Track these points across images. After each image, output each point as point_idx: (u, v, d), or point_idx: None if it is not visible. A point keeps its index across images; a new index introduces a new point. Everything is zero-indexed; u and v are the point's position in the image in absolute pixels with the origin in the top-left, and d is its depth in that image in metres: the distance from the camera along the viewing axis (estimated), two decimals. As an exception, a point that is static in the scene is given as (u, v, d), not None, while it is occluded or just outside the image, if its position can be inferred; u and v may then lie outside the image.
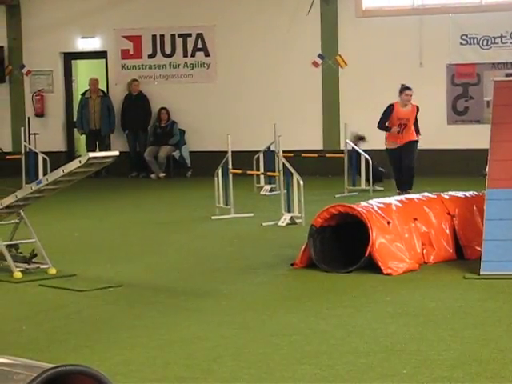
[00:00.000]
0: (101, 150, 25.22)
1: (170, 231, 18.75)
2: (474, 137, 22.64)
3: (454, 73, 26.91)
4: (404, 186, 20.93)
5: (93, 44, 29.80)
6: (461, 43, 26.76)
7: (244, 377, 9.16)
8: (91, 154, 14.30)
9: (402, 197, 15.39)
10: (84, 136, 29.57)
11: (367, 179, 23.22)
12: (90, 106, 29.17)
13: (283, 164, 19.21)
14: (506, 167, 14.51)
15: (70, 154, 27.33)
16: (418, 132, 22.22)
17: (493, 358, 9.63)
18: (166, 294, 13.15)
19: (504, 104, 15.25)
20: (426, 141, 26.04)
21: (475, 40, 26.68)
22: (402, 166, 21.59)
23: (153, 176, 28.57)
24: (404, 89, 21.55)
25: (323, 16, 27.67)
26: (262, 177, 23.84)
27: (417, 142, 22.12)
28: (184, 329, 11.24)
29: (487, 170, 14.62)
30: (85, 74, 29.90)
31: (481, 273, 13.58)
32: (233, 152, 20.53)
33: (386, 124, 21.82)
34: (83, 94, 29.47)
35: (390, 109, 21.75)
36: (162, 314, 12.01)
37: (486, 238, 13.90)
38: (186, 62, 29.12)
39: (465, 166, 22.42)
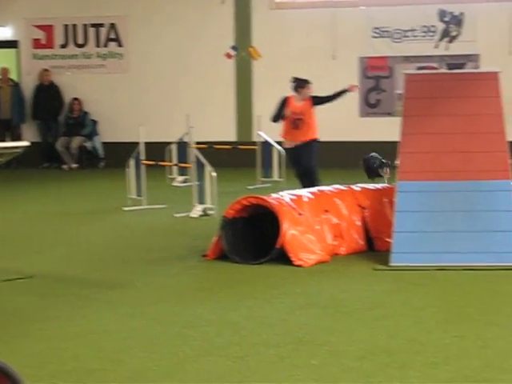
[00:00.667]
0: (11, 140, 24.93)
1: (81, 222, 18.67)
2: (385, 129, 22.76)
3: (366, 66, 27.13)
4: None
5: (3, 33, 29.62)
6: (373, 36, 26.95)
7: (154, 368, 9.16)
8: (1, 144, 14.23)
9: (314, 189, 15.41)
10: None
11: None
12: (0, 96, 29.00)
13: (195, 155, 19.22)
14: (416, 160, 14.62)
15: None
16: (335, 95, 20.01)
17: (401, 349, 9.72)
18: (78, 286, 13.09)
19: (414, 97, 15.37)
20: (338, 133, 26.26)
21: (387, 33, 26.89)
22: (301, 168, 19.37)
23: (65, 167, 28.45)
24: (305, 82, 19.34)
25: (237, 7, 27.73)
26: (174, 168, 23.87)
27: (315, 140, 19.60)
28: (95, 320, 11.20)
29: (398, 162, 14.72)
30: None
31: (390, 264, 13.71)
32: (145, 143, 20.52)
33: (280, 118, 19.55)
34: (-5, 84, 29.36)
35: (283, 100, 19.58)
36: (73, 305, 11.95)
37: (396, 229, 14.02)
38: (98, 53, 29.08)
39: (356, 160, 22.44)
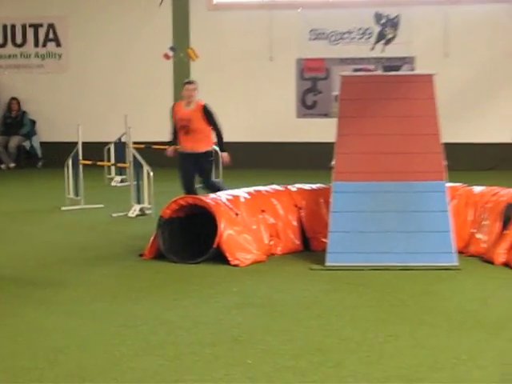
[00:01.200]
0: None
1: (19, 222, 18.62)
2: (322, 130, 22.78)
3: (303, 67, 27.19)
4: None
5: None
6: (310, 38, 27.02)
7: (90, 367, 9.15)
8: None
9: (251, 189, 15.42)
10: None
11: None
12: None
13: (133, 155, 19.24)
14: (351, 160, 14.68)
15: None
16: (220, 144, 17.82)
17: (336, 348, 9.77)
18: (14, 285, 13.05)
19: (350, 98, 15.42)
20: (276, 134, 26.33)
21: (324, 35, 26.98)
22: (204, 185, 17.63)
23: (2, 166, 28.34)
24: (185, 83, 17.41)
25: (175, 8, 27.75)
26: (112, 168, 23.84)
27: (208, 153, 17.41)
28: (31, 319, 11.18)
29: (333, 162, 14.76)
30: None
31: (326, 264, 13.76)
32: (83, 143, 20.49)
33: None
34: None
35: (171, 108, 17.73)
36: (9, 304, 11.92)
37: (332, 229, 14.08)
38: (37, 52, 29.01)
39: (313, 160, 22.43)
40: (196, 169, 17.24)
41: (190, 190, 17.16)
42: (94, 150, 22.07)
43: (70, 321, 11.06)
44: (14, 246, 15.86)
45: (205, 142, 17.24)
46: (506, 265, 13.69)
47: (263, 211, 14.93)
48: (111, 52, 27.94)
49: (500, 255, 13.86)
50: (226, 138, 24.42)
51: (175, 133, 17.52)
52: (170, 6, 27.74)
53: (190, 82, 17.37)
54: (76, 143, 20.36)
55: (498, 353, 9.61)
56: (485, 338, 10.09)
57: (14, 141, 28.49)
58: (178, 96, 27.58)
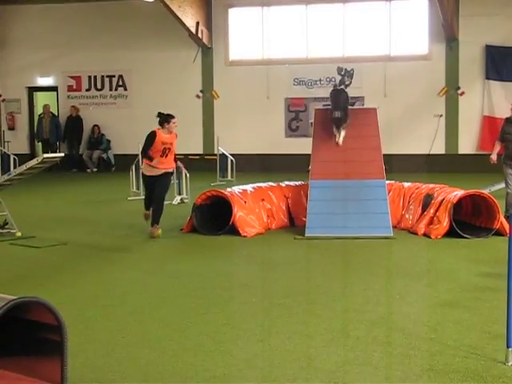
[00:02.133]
0: (51, 153, 24.73)
1: (98, 207, 18.62)
2: (302, 146, 22.70)
3: (289, 103, 27.12)
4: (153, 219, 14.35)
5: (48, 81, 29.50)
6: (293, 84, 27.00)
7: (147, 305, 9.20)
8: (45, 155, 14.44)
9: (254, 185, 15.40)
10: (40, 143, 29.22)
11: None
12: (43, 123, 28.92)
13: (179, 162, 19.27)
14: (322, 166, 14.77)
15: (32, 155, 26.74)
16: (176, 160, 15.18)
17: (312, 291, 9.78)
18: (98, 249, 13.12)
19: (321, 124, 15.55)
20: (271, 148, 26.29)
21: (303, 82, 26.94)
22: (154, 195, 14.48)
23: (88, 170, 28.32)
24: (170, 117, 14.58)
25: (203, 63, 27.72)
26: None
27: (172, 173, 15.72)
28: (108, 272, 11.22)
29: (310, 167, 14.82)
30: (42, 101, 29.52)
31: (305, 235, 13.76)
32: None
33: (149, 152, 14.37)
34: (40, 115, 29.17)
35: (152, 135, 14.49)
36: (95, 263, 11.98)
37: (309, 212, 14.11)
38: (111, 94, 28.94)
39: (296, 166, 22.39)
40: (160, 186, 14.34)
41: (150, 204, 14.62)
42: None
43: (133, 274, 11.08)
44: (95, 224, 15.86)
45: (173, 163, 14.74)
46: (425, 235, 13.75)
47: (263, 200, 14.97)
48: (160, 93, 27.81)
49: (421, 229, 13.90)
50: (238, 151, 24.52)
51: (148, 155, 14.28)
52: (200, 61, 27.71)
53: (174, 117, 14.56)
54: (137, 155, 20.38)
55: (420, 294, 9.65)
56: (411, 284, 10.12)
57: (96, 154, 28.49)
58: (206, 122, 27.65)
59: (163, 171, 14.29)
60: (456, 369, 6.81)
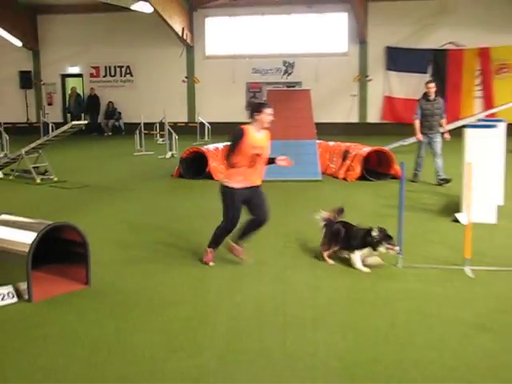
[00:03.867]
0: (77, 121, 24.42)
1: (110, 160, 18.38)
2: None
3: (249, 86, 26.96)
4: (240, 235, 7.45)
5: (75, 70, 29.03)
6: (252, 72, 26.81)
7: (147, 225, 9.18)
8: (73, 122, 14.31)
9: (224, 143, 15.27)
10: (69, 114, 28.76)
11: (205, 137, 23.22)
12: (71, 101, 28.59)
13: (168, 128, 19.17)
14: (273, 130, 14.63)
15: (64, 123, 26.35)
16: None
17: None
18: (110, 189, 13.04)
19: (272, 101, 15.39)
20: (236, 117, 26.10)
21: (259, 71, 26.78)
22: (257, 216, 7.31)
23: (105, 134, 27.94)
24: (263, 106, 7.33)
25: (187, 57, 27.43)
26: (158, 135, 23.68)
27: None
28: (116, 205, 11.23)
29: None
30: (71, 84, 28.94)
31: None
32: (144, 123, 20.42)
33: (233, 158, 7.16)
34: (70, 95, 28.78)
35: (239, 133, 7.07)
36: (108, 198, 11.96)
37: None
38: (121, 79, 28.51)
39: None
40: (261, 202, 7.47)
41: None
42: (149, 125, 21.84)
43: (135, 206, 11.11)
44: (109, 173, 15.75)
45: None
46: (343, 179, 13.83)
47: (230, 154, 14.94)
48: (157, 78, 27.54)
49: (341, 174, 13.99)
50: (212, 120, 24.42)
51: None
52: (185, 56, 27.41)
53: (267, 106, 7.37)
54: (140, 123, 20.29)
55: (358, 204, 9.74)
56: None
57: (111, 122, 28.07)
58: (190, 99, 27.45)
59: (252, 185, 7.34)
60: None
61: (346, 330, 5.29)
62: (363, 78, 25.74)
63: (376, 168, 14.21)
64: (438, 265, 7.10)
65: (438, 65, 24.62)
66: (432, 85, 12.84)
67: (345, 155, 14.37)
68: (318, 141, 14.75)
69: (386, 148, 14.74)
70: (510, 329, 5.31)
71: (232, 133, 7.11)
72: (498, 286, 6.40)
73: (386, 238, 6.97)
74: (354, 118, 25.75)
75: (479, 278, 6.64)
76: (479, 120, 13.90)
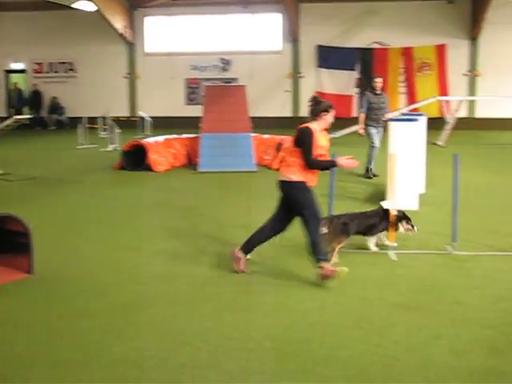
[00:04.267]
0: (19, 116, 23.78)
1: (55, 153, 18.01)
2: (196, 110, 22.39)
3: (188, 82, 26.77)
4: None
5: (19, 66, 28.27)
6: (191, 69, 26.61)
7: (86, 218, 9.03)
8: (15, 116, 14.10)
9: (164, 137, 15.17)
10: (12, 109, 27.92)
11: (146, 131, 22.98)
12: (13, 96, 27.99)
13: (110, 122, 18.89)
14: (209, 123, 14.62)
15: (7, 117, 25.76)
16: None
17: (199, 206, 9.81)
18: (54, 181, 12.77)
19: (209, 96, 15.40)
20: (176, 112, 26.03)
21: (197, 67, 26.61)
22: (284, 222, 6.57)
23: (49, 128, 27.25)
24: (331, 107, 6.15)
25: (129, 54, 27.04)
26: (100, 128, 23.30)
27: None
28: (61, 196, 10.99)
29: (201, 125, 14.69)
30: (15, 80, 28.21)
31: (198, 170, 13.76)
32: (88, 117, 20.05)
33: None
34: (12, 90, 28.04)
35: (310, 133, 5.98)
36: (52, 190, 11.68)
37: (200, 154, 14.08)
38: (64, 75, 27.86)
39: (192, 124, 22.01)
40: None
41: None
42: (92, 120, 21.41)
43: (82, 197, 10.93)
44: (51, 166, 15.40)
45: None
46: (277, 170, 13.86)
47: (169, 147, 14.84)
48: (99, 75, 27.08)
49: (274, 165, 14.00)
50: (153, 114, 24.17)
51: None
52: (127, 53, 27.02)
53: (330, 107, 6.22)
54: (81, 117, 19.93)
55: (272, 208, 9.77)
56: (266, 201, 10.21)
57: (54, 116, 27.47)
58: (131, 94, 27.10)
59: None
60: (290, 253, 7.00)
61: (279, 313, 5.33)
62: (296, 75, 25.89)
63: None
64: (364, 249, 7.20)
65: (365, 63, 24.96)
66: (379, 80, 12.71)
67: (278, 147, 14.43)
68: (253, 134, 14.77)
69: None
70: (429, 307, 5.43)
71: (301, 133, 6.08)
72: (419, 268, 6.54)
73: (405, 217, 6.92)
74: (287, 113, 25.87)
75: (402, 261, 6.77)
76: (403, 114, 14.13)
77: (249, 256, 6.52)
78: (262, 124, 20.79)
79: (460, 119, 20.66)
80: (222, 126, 14.48)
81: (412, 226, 7.15)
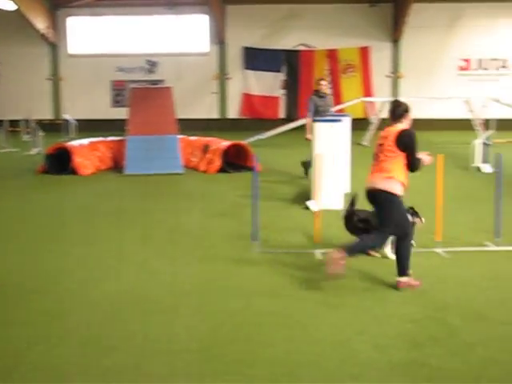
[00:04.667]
0: None
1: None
2: (123, 113, 22.20)
3: (114, 84, 26.47)
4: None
5: None
6: (116, 71, 26.29)
7: (11, 218, 8.81)
8: None
9: (89, 139, 14.93)
10: None
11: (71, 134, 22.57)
12: None
13: (34, 126, 18.43)
14: (135, 126, 14.47)
15: None
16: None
17: (129, 209, 9.69)
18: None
19: (135, 97, 15.26)
20: (102, 115, 25.65)
21: (123, 69, 26.33)
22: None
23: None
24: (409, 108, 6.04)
25: (52, 56, 26.55)
26: (23, 132, 22.72)
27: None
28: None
29: (127, 127, 14.53)
30: None
31: (125, 173, 13.62)
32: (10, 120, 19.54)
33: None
34: None
35: (415, 135, 5.93)
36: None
37: (127, 157, 13.94)
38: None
39: (118, 126, 21.72)
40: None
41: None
42: (15, 123, 20.92)
43: (3, 203, 10.61)
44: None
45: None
46: (204, 171, 13.87)
47: (95, 149, 14.62)
48: (22, 77, 26.41)
49: (202, 167, 14.07)
50: (78, 117, 23.68)
51: None
52: (49, 54, 26.48)
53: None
54: (3, 120, 19.38)
55: (200, 209, 9.75)
56: (194, 203, 10.22)
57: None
58: (55, 96, 26.54)
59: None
60: (218, 254, 7.01)
61: (205, 314, 5.32)
62: (223, 77, 25.94)
63: (235, 161, 14.36)
64: (291, 249, 7.28)
65: (292, 64, 25.25)
66: (324, 82, 12.73)
67: (205, 149, 14.42)
68: (179, 136, 14.71)
69: (245, 142, 14.94)
70: (353, 304, 5.53)
71: (406, 136, 5.90)
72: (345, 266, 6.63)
73: (415, 213, 6.80)
74: (214, 115, 25.90)
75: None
76: (328, 115, 14.30)
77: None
78: (190, 126, 20.76)
79: (384, 120, 21.10)
80: (148, 128, 14.36)
81: (420, 219, 6.86)
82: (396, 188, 5.89)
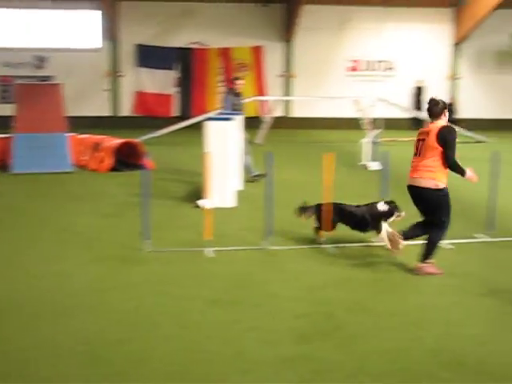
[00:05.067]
0: None
1: None
2: (11, 110, 21.40)
3: (1, 80, 25.40)
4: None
5: None
6: (3, 66, 25.23)
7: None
8: None
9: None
10: None
11: None
12: None
13: None
14: (23, 123, 13.89)
15: None
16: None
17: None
18: None
19: (20, 94, 14.67)
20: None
21: (10, 65, 25.25)
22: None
23: None
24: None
25: None
26: None
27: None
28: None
29: (14, 124, 13.95)
30: None
31: (12, 171, 13.08)
32: None
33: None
34: None
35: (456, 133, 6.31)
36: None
37: (14, 155, 13.38)
38: None
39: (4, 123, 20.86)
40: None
41: None
42: None
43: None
44: None
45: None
46: (95, 170, 13.49)
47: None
48: None
49: (92, 166, 13.69)
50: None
51: None
52: None
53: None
54: None
55: (90, 210, 9.54)
56: (82, 204, 9.99)
57: None
58: None
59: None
60: (109, 255, 6.90)
61: (96, 315, 5.23)
62: (115, 74, 25.49)
63: (128, 159, 14.15)
64: (182, 248, 7.26)
65: (185, 62, 25.16)
66: (241, 81, 12.65)
67: (96, 147, 14.11)
68: (69, 134, 14.31)
69: (138, 140, 14.74)
70: (244, 302, 5.59)
71: (447, 132, 6.21)
72: (236, 264, 6.70)
73: (396, 207, 7.06)
74: (106, 112, 25.41)
75: (219, 258, 6.90)
76: (220, 113, 14.35)
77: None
78: (81, 123, 20.23)
79: (276, 118, 21.53)
80: (36, 125, 13.84)
81: (400, 212, 7.15)
82: (440, 184, 6.22)
